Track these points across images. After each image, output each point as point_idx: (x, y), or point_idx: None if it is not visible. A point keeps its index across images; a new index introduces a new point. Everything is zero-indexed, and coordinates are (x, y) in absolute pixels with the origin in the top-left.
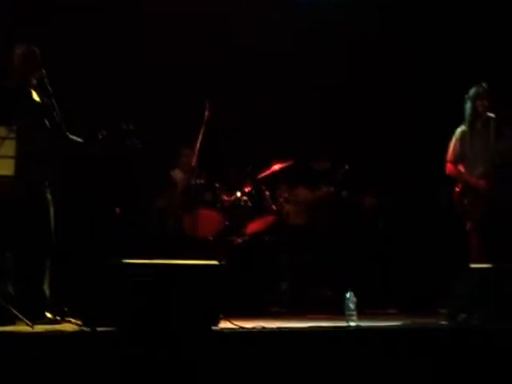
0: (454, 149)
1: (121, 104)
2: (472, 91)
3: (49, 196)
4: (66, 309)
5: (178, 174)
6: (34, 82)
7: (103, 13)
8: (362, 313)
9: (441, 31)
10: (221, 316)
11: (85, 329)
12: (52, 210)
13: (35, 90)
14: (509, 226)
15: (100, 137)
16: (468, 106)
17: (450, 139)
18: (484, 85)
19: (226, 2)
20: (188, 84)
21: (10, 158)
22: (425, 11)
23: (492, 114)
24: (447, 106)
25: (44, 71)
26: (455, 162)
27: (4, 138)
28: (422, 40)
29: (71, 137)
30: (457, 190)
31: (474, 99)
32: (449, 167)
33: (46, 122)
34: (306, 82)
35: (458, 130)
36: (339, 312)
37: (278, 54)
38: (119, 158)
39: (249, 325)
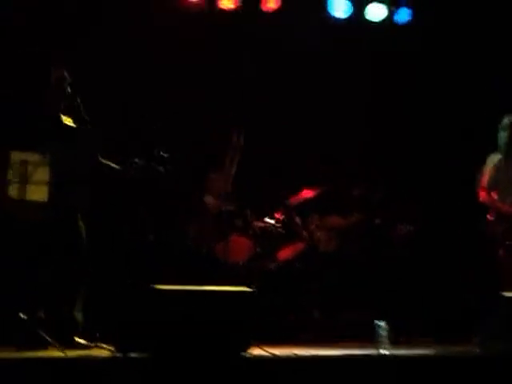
0: (487, 176)
1: (152, 130)
2: (505, 120)
3: (81, 222)
4: (97, 334)
5: (209, 200)
6: (64, 107)
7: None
8: (394, 341)
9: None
10: (252, 342)
11: (117, 354)
12: (85, 235)
13: (69, 116)
14: None
15: (133, 163)
16: (503, 133)
17: (483, 167)
18: None
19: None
20: (218, 109)
21: (44, 183)
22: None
23: None
24: (481, 135)
25: (79, 99)
26: (489, 189)
27: (38, 165)
28: (458, 62)
29: (105, 162)
30: (489, 217)
31: (507, 127)
32: (482, 195)
33: (79, 148)
34: (336, 106)
35: (493, 158)
36: (371, 339)
37: (309, 78)
38: (152, 183)
39: (280, 352)
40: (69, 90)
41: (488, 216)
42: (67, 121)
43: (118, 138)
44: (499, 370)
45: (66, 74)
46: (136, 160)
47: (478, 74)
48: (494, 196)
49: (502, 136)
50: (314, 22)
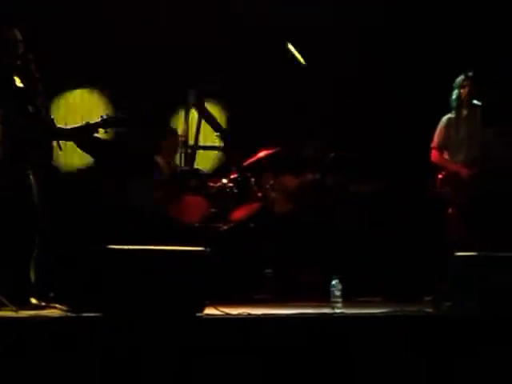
0: (438, 136)
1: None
2: (458, 79)
3: (33, 182)
4: (51, 294)
5: (161, 160)
6: (17, 66)
7: None
8: (347, 300)
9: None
10: (206, 302)
11: (70, 314)
12: (36, 195)
13: (19, 75)
14: (489, 214)
15: (87, 125)
16: (454, 93)
17: (436, 126)
18: (470, 72)
19: None
20: (177, 66)
21: None
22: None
23: (478, 102)
24: (436, 93)
25: (31, 56)
26: (440, 149)
27: None
28: (410, 26)
29: (57, 125)
30: (440, 176)
31: (460, 87)
32: (434, 154)
33: (30, 107)
34: (292, 66)
35: (445, 117)
36: (325, 299)
37: (269, 37)
38: (105, 143)
39: (234, 311)
40: (19, 49)
41: (439, 175)
42: (17, 80)
43: None
44: (450, 329)
45: (16, 32)
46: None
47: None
48: (446, 156)
49: (454, 95)
50: None
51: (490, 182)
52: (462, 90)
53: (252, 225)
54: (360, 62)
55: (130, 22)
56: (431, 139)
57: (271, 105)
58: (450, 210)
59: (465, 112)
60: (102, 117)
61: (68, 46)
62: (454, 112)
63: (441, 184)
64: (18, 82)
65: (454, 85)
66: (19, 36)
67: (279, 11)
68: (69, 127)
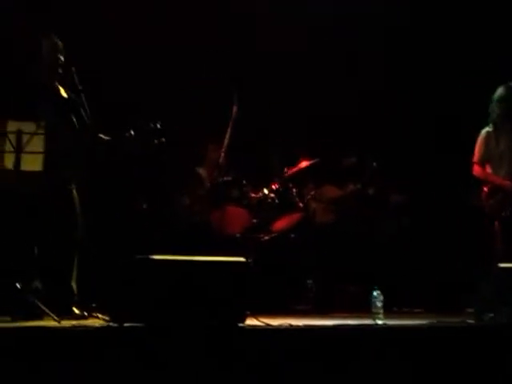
0: (479, 150)
1: (148, 102)
2: (498, 92)
3: (75, 192)
4: (93, 304)
5: (204, 172)
6: (60, 76)
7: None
8: (388, 311)
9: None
10: (248, 313)
11: (112, 324)
12: (78, 205)
13: (63, 86)
14: None
15: (128, 135)
16: (494, 106)
17: (477, 140)
18: (510, 85)
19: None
20: (216, 80)
21: (39, 153)
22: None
23: None
24: (477, 106)
25: (74, 68)
26: (481, 162)
27: (33, 134)
28: (447, 39)
29: (100, 135)
30: (485, 190)
31: (501, 100)
32: (476, 169)
33: (74, 119)
34: (331, 79)
35: (484, 131)
36: (366, 310)
37: (306, 52)
38: (146, 156)
39: (275, 322)
40: (62, 58)
41: (484, 189)
42: (62, 90)
43: (113, 110)
44: (492, 340)
45: (57, 41)
46: (131, 131)
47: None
48: (488, 169)
49: (494, 108)
50: None
51: None
52: (503, 104)
53: (293, 235)
54: (392, 72)
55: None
56: (469, 150)
57: (310, 115)
58: (495, 223)
59: (505, 126)
60: (148, 125)
61: None
62: (492, 125)
63: (486, 197)
64: (63, 92)
65: (495, 98)
66: (61, 45)
67: None
68: (109, 138)
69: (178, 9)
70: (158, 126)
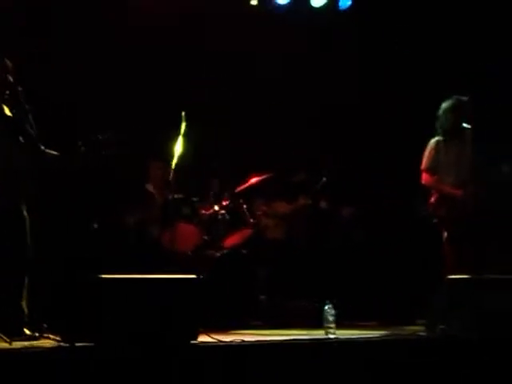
0: (428, 158)
1: (96, 115)
2: (448, 103)
3: (25, 212)
4: (44, 325)
5: (152, 188)
6: (6, 96)
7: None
8: (340, 325)
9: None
10: (200, 330)
11: (63, 344)
12: (28, 225)
13: (7, 105)
14: (484, 237)
15: (77, 149)
16: (444, 117)
17: (425, 149)
18: (460, 97)
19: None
20: (165, 95)
21: None
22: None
23: (468, 125)
24: (422, 116)
25: (20, 88)
26: (430, 171)
27: None
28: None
29: (47, 151)
30: (432, 200)
31: (450, 111)
32: (425, 177)
33: (20, 138)
34: (281, 94)
35: (434, 140)
36: (318, 324)
37: (254, 66)
38: (96, 170)
39: (228, 338)
40: (10, 78)
41: (431, 198)
42: (6, 109)
43: (60, 124)
44: (445, 352)
45: (7, 62)
46: (80, 144)
47: (416, 59)
48: (436, 178)
49: (444, 119)
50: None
51: (482, 203)
52: (452, 114)
53: (245, 251)
54: (348, 87)
55: None
56: (415, 160)
57: (261, 130)
58: (444, 233)
59: (454, 135)
60: (97, 137)
61: None
62: (441, 135)
63: (434, 206)
64: (7, 112)
65: (442, 109)
66: (9, 65)
67: None
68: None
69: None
70: (108, 137)
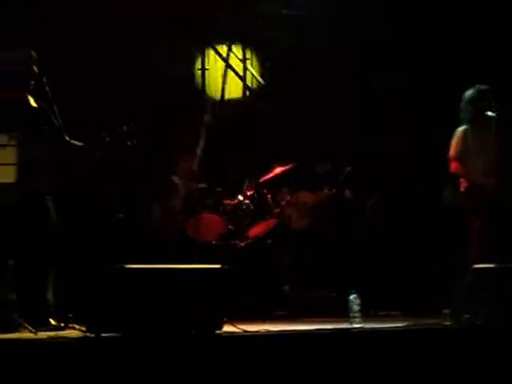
0: (456, 146)
1: (120, 107)
2: (472, 92)
3: (50, 203)
4: (70, 315)
5: (178, 180)
6: (32, 86)
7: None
8: (365, 314)
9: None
10: (225, 320)
11: (89, 335)
12: (54, 216)
13: (33, 96)
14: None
15: (101, 139)
16: (468, 106)
17: (452, 138)
18: (484, 85)
19: None
20: (188, 88)
21: (11, 165)
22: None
23: (492, 114)
24: (449, 105)
25: (45, 79)
26: (458, 159)
27: (5, 146)
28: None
29: (72, 141)
30: (462, 188)
31: (474, 100)
32: (454, 165)
33: (46, 128)
34: (305, 84)
35: (461, 129)
36: (343, 314)
37: (280, 55)
38: (121, 161)
39: (252, 328)
40: (35, 69)
41: (461, 187)
42: (32, 100)
43: (84, 116)
44: (470, 341)
45: (32, 53)
46: (104, 135)
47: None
48: (464, 166)
49: (467, 109)
50: None
51: (510, 192)
52: (477, 103)
53: (269, 241)
54: (367, 76)
55: None
56: (441, 149)
57: (285, 120)
58: (473, 221)
59: (479, 124)
60: (121, 128)
61: None
62: (467, 124)
63: (464, 195)
64: (33, 102)
65: (467, 98)
66: (34, 57)
67: None
68: (82, 144)
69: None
70: (132, 127)
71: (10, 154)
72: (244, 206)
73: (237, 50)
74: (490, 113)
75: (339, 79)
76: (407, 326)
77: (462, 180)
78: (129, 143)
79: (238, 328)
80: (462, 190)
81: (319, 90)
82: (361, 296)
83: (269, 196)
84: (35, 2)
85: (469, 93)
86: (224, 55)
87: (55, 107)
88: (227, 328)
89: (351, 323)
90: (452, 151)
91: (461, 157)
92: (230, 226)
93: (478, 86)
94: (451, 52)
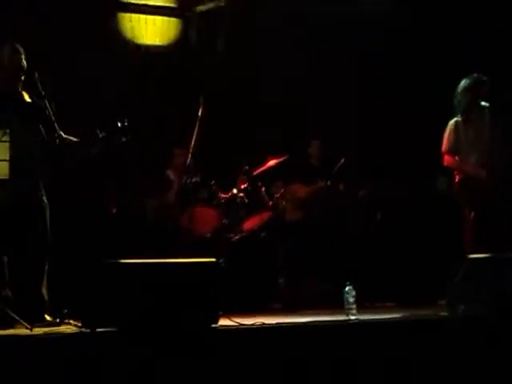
0: (449, 139)
1: (114, 103)
2: (465, 82)
3: (44, 198)
4: (65, 310)
5: (172, 174)
6: (22, 78)
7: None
8: (361, 306)
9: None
10: (220, 313)
11: (84, 330)
12: (48, 212)
13: (26, 92)
14: (508, 216)
15: (95, 135)
16: (460, 97)
17: (444, 130)
18: (477, 75)
19: None
20: (182, 82)
21: (5, 161)
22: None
23: (486, 104)
24: (442, 96)
25: (36, 74)
26: (451, 152)
27: None
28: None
29: (66, 137)
30: (456, 180)
31: (468, 90)
32: (447, 158)
33: (39, 124)
34: (298, 75)
35: (453, 121)
36: (339, 306)
37: (269, 52)
38: (114, 156)
39: (248, 321)
40: (24, 63)
41: (455, 179)
42: (25, 96)
43: (78, 111)
44: (466, 332)
45: (18, 47)
46: (98, 132)
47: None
48: (457, 159)
49: (461, 99)
50: None
51: (506, 183)
52: (470, 93)
53: (263, 234)
54: (365, 66)
55: None
56: (435, 141)
57: (278, 112)
58: (467, 212)
59: (473, 115)
60: (115, 124)
61: None
62: (460, 115)
63: (459, 187)
64: (27, 98)
65: (460, 88)
66: (21, 50)
67: None
68: (76, 139)
69: None
70: (126, 123)
71: (2, 150)
72: (238, 199)
73: None
74: (484, 103)
75: (332, 69)
76: (403, 317)
77: (455, 173)
78: (123, 139)
79: (234, 321)
80: (456, 182)
81: (313, 80)
82: (356, 287)
83: (263, 189)
84: None
85: (465, 81)
86: None
87: (49, 103)
88: (223, 321)
89: (347, 315)
90: (444, 145)
91: (453, 149)
92: (224, 220)
93: (474, 75)
94: (444, 43)
